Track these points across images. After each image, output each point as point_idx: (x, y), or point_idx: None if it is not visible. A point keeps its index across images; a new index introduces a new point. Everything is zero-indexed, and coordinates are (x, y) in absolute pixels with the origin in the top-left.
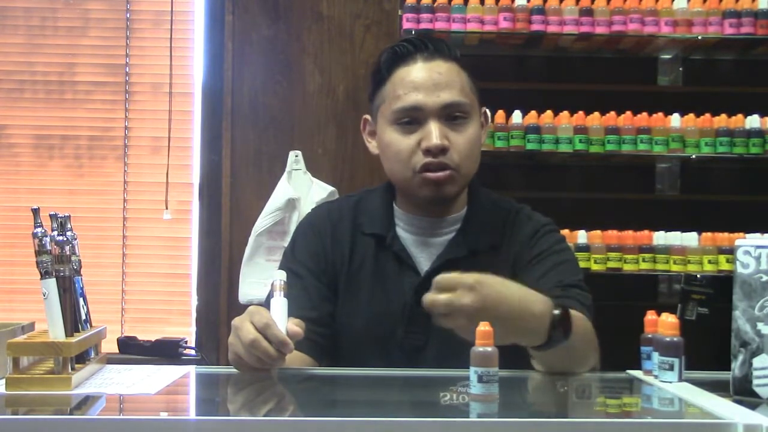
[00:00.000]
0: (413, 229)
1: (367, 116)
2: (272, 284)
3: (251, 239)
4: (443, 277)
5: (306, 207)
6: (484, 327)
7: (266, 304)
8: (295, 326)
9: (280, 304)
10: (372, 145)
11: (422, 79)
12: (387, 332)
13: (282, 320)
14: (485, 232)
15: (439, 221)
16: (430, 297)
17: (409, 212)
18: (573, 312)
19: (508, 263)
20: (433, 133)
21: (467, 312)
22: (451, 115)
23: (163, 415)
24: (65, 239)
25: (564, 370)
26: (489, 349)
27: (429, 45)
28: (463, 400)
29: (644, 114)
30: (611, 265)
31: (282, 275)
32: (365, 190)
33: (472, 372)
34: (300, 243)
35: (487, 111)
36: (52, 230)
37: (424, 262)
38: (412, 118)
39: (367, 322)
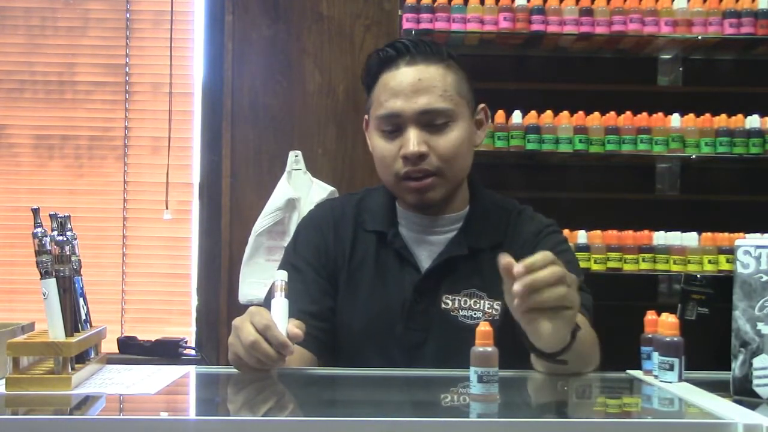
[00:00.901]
0: (414, 227)
1: (367, 116)
2: (273, 284)
3: (251, 239)
4: (559, 271)
5: (306, 207)
6: (483, 327)
7: (266, 304)
8: (295, 328)
9: (280, 305)
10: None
11: (402, 86)
12: (386, 329)
13: (282, 321)
14: (487, 232)
15: (440, 219)
16: (553, 293)
17: (410, 210)
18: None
19: None
20: (411, 140)
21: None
22: (431, 121)
23: (163, 415)
24: (65, 239)
25: (567, 373)
26: (489, 349)
27: (411, 48)
28: (463, 400)
29: (644, 114)
30: (611, 265)
31: (283, 275)
32: (367, 189)
33: (472, 372)
34: (302, 238)
35: (487, 109)
36: (52, 230)
37: (425, 259)
38: (393, 125)
39: (367, 319)
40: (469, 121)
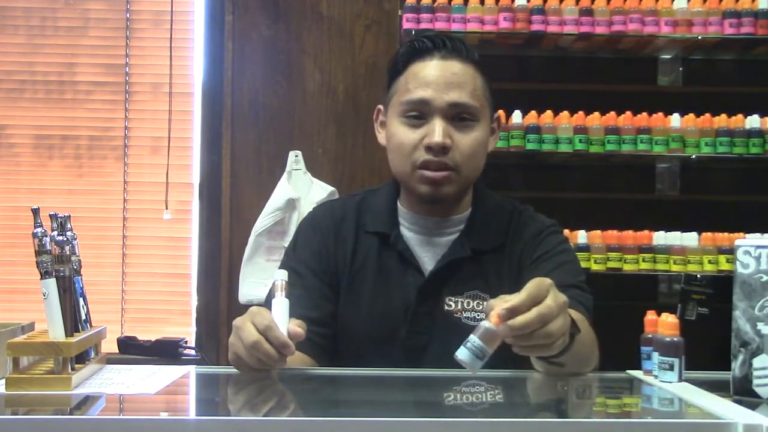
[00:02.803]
0: (417, 228)
1: (381, 106)
2: (273, 284)
3: (251, 239)
4: (544, 311)
5: (306, 207)
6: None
7: (267, 304)
8: (297, 327)
9: (281, 305)
10: (381, 136)
11: (434, 77)
12: (389, 332)
13: (283, 321)
14: (490, 233)
15: (443, 221)
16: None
17: (413, 211)
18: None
19: (513, 264)
20: (436, 130)
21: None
22: (458, 116)
23: (163, 415)
24: (65, 239)
25: (565, 373)
26: (494, 327)
27: (447, 43)
28: (464, 400)
29: (644, 114)
30: (611, 265)
31: (283, 275)
32: (367, 190)
33: (469, 339)
34: (302, 241)
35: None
36: (52, 230)
37: (428, 261)
38: (419, 112)
39: (370, 321)
40: (488, 125)
